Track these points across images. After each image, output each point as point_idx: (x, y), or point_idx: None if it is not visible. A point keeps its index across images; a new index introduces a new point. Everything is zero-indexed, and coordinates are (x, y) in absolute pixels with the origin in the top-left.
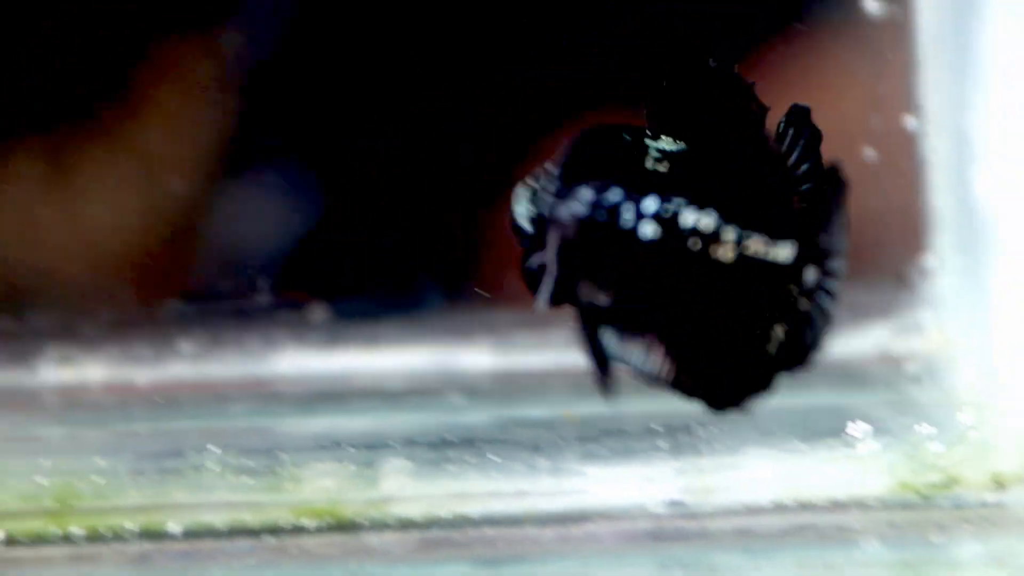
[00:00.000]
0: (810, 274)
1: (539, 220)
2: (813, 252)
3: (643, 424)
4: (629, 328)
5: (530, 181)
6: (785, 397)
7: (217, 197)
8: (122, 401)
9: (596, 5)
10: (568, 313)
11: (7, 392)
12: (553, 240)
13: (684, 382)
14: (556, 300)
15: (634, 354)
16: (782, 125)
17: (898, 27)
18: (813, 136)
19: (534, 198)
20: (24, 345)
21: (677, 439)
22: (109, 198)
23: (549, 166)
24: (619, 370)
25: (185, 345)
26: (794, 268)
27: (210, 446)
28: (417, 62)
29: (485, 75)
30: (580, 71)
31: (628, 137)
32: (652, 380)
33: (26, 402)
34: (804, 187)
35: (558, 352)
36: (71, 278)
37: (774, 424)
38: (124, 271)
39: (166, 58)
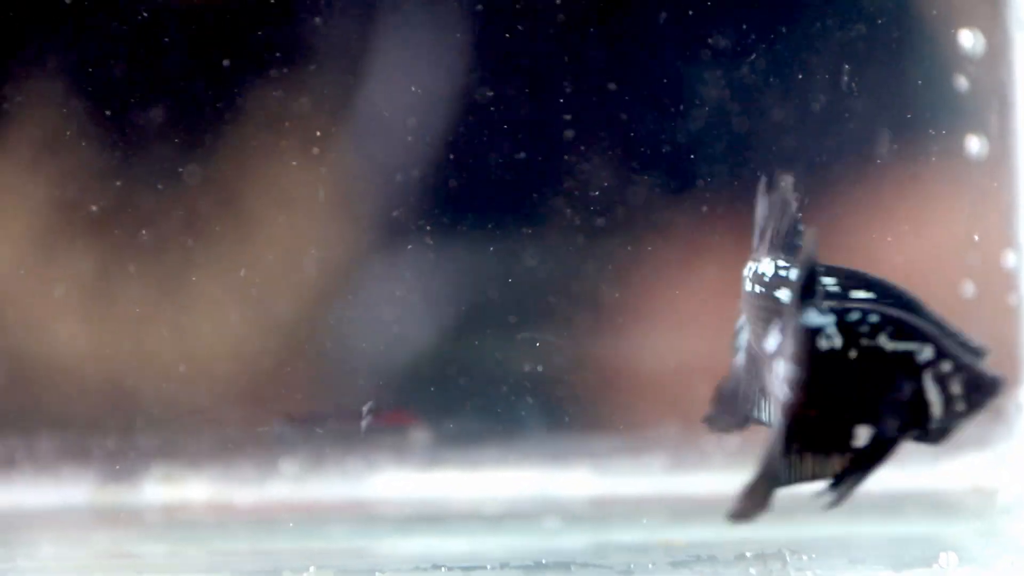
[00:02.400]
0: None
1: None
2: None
3: (735, 550)
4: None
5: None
6: (877, 526)
7: (325, 319)
8: (223, 520)
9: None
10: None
11: (111, 509)
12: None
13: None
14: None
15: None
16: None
17: (999, 165)
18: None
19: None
20: (129, 463)
21: (768, 566)
22: (215, 318)
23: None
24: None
25: (287, 466)
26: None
27: (310, 567)
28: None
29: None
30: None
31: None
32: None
33: (129, 519)
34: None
35: (655, 477)
36: (176, 397)
37: (865, 553)
38: (229, 391)
39: (279, 177)
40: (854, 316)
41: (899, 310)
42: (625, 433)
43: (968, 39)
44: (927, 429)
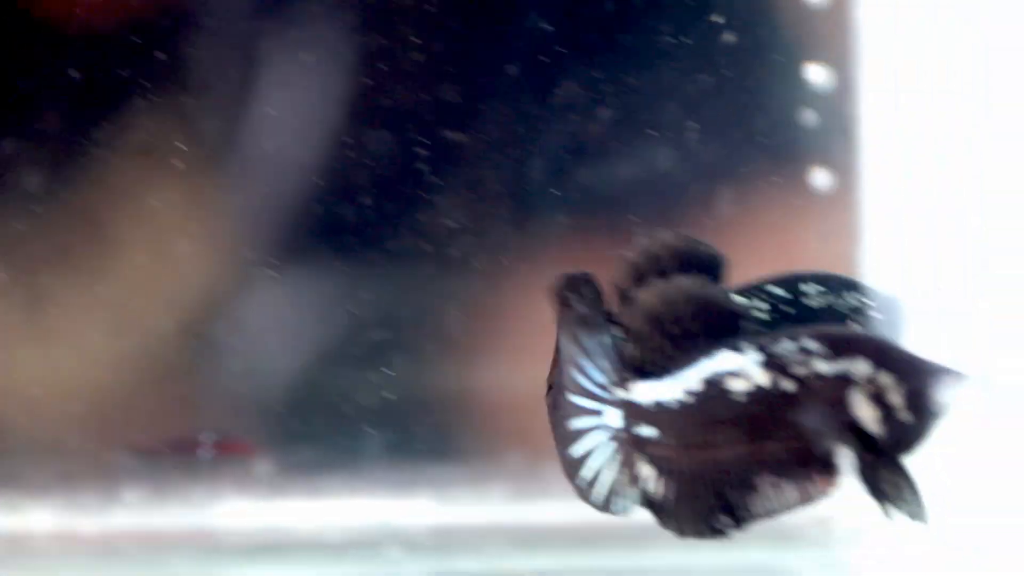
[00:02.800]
0: None
1: None
2: None
3: None
4: None
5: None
6: (715, 555)
7: (173, 348)
8: (67, 550)
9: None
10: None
11: None
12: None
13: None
14: None
15: None
16: None
17: (845, 198)
18: None
19: None
20: None
21: None
22: (60, 348)
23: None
24: None
25: (130, 495)
26: None
27: None
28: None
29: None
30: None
31: None
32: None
33: None
34: None
35: (497, 507)
36: (20, 426)
37: None
38: (73, 420)
39: (142, 208)
40: (786, 346)
41: (841, 319)
42: (467, 462)
43: (817, 74)
44: (887, 444)
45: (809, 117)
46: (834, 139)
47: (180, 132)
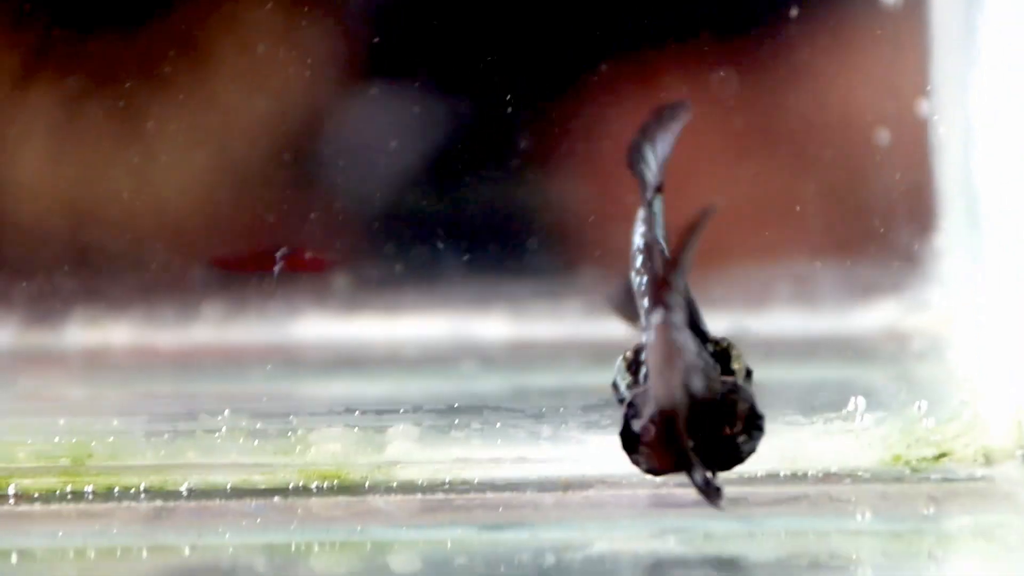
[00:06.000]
0: None
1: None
2: None
3: None
4: None
5: (629, 354)
6: (789, 369)
7: (260, 167)
8: (145, 364)
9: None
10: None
11: (33, 352)
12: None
13: None
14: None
15: None
16: None
17: (914, 15)
18: None
19: (634, 368)
20: (52, 306)
21: None
22: (154, 163)
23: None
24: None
25: (208, 310)
26: None
27: (225, 410)
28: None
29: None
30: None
31: None
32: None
33: (51, 362)
34: None
35: (572, 323)
36: (101, 241)
37: (777, 398)
38: (156, 235)
39: (248, 24)
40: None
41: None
42: (542, 278)
43: None
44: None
45: None
46: None
47: None
